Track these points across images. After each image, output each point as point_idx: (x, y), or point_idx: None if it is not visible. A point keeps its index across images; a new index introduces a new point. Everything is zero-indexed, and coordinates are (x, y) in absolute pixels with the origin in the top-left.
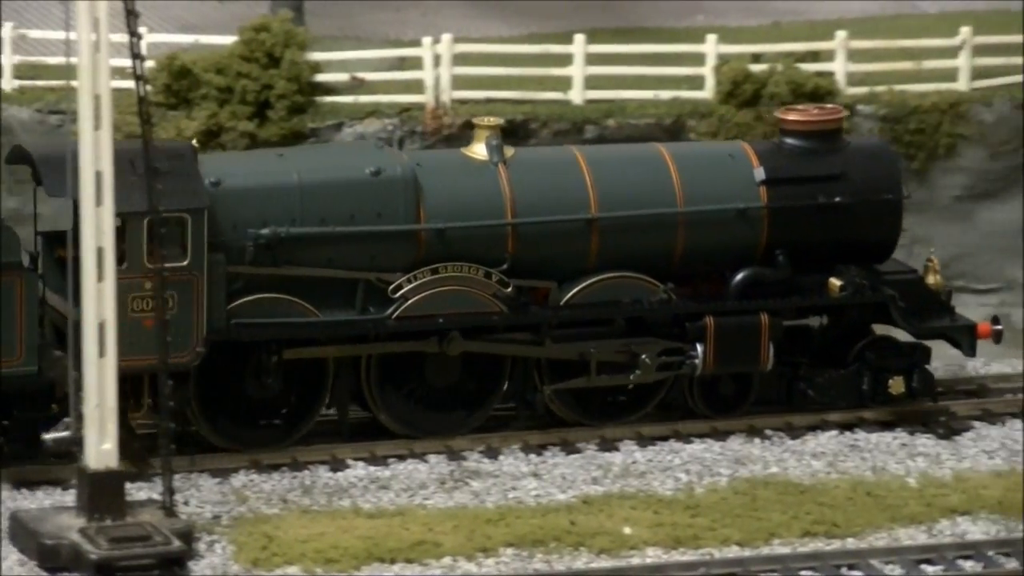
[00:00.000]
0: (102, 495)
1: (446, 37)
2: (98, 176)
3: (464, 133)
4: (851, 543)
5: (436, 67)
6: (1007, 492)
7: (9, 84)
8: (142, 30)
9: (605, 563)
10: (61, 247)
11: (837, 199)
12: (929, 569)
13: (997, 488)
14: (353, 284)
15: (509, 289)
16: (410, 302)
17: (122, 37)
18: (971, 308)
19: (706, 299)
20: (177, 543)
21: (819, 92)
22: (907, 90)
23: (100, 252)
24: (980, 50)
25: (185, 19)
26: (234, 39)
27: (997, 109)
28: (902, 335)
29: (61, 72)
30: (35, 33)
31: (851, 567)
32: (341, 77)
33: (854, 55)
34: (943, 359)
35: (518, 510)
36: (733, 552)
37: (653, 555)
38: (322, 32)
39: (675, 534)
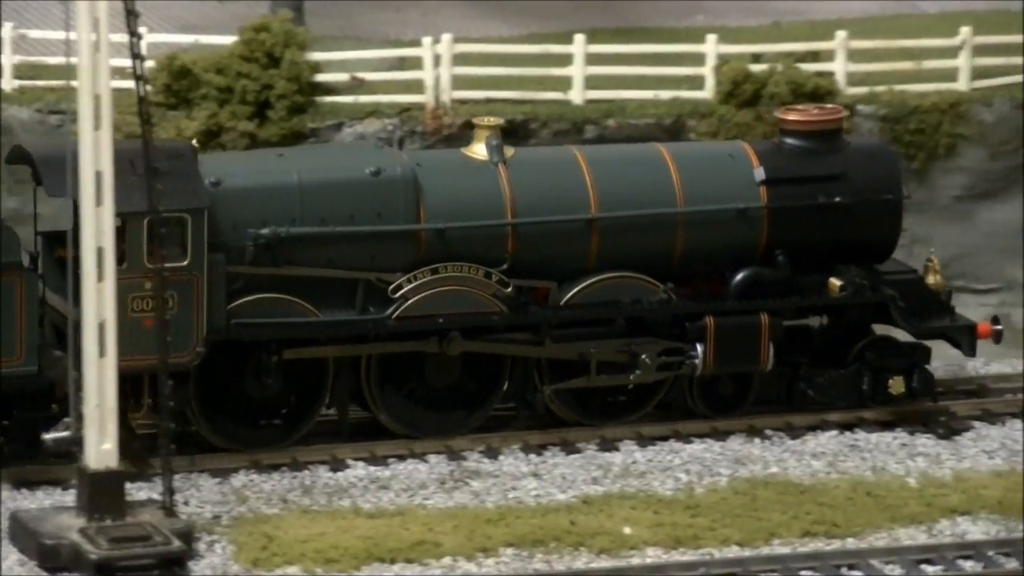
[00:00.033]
0: (102, 495)
1: (446, 37)
2: (98, 176)
3: (464, 133)
4: (851, 543)
5: (436, 67)
6: (1007, 492)
7: (9, 84)
8: (142, 30)
9: (605, 563)
10: (61, 247)
11: (837, 199)
12: (929, 569)
13: (997, 488)
14: (353, 284)
15: (509, 289)
16: (410, 302)
17: (122, 37)
18: (971, 308)
19: (706, 299)
20: (177, 543)
21: (819, 92)
22: (907, 90)
23: (100, 252)
24: (980, 50)
25: (185, 19)
26: (234, 39)
27: (997, 109)
28: (902, 335)
29: (61, 72)
30: (35, 33)
31: (851, 567)
32: (341, 77)
33: (854, 55)
34: (943, 359)
35: (518, 510)
36: (733, 552)
37: (653, 555)
38: (322, 32)
39: (675, 534)
